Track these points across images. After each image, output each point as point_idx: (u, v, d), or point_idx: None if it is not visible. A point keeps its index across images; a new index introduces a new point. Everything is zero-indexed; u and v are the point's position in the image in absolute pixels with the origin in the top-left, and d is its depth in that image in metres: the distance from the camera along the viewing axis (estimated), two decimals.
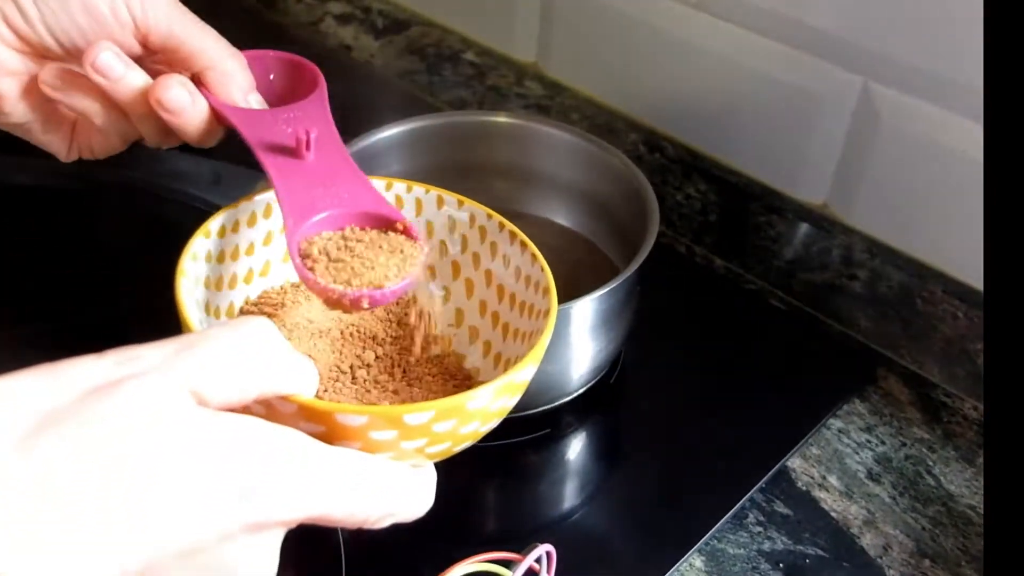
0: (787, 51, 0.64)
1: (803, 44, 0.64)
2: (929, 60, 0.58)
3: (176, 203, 0.58)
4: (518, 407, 0.56)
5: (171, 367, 0.31)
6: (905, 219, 0.64)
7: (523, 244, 0.46)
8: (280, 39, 0.93)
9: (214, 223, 0.45)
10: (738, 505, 0.54)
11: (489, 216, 0.48)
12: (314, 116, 0.47)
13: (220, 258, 0.46)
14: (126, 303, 0.64)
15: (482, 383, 0.45)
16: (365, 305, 0.40)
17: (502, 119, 0.65)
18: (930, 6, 0.57)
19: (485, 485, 0.57)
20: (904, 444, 0.59)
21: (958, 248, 0.61)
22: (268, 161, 0.44)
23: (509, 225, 0.47)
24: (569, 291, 0.52)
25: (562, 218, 0.66)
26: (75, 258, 0.67)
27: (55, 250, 0.68)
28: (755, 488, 0.55)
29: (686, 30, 0.69)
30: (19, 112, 0.46)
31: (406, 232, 0.43)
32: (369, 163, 0.63)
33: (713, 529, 0.53)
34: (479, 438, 0.40)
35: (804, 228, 0.68)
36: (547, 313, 0.43)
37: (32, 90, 0.45)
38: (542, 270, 0.45)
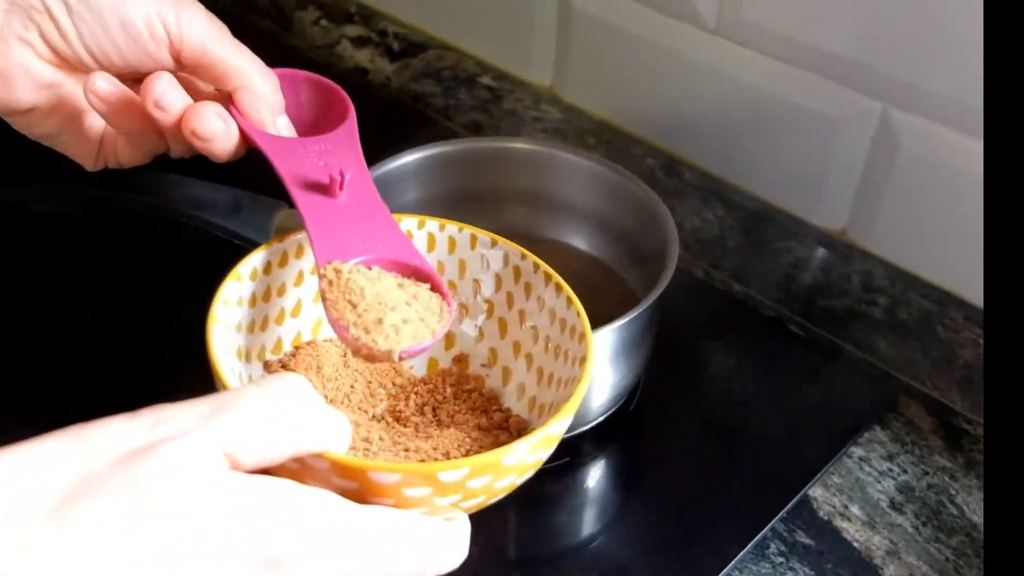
0: (806, 76, 0.64)
1: (822, 69, 0.64)
2: (949, 86, 0.58)
3: (195, 230, 0.58)
4: None
5: (205, 430, 0.30)
6: (925, 245, 0.63)
7: (558, 287, 0.45)
8: (296, 62, 0.93)
9: (245, 266, 0.44)
10: (760, 535, 0.54)
11: (523, 256, 0.47)
12: (345, 151, 0.46)
13: (252, 301, 0.45)
14: (147, 332, 0.64)
15: (516, 422, 0.44)
16: (395, 359, 0.39)
17: (520, 145, 0.65)
18: (950, 31, 0.57)
19: (503, 515, 0.56)
20: (926, 473, 0.59)
21: (979, 274, 0.61)
22: (300, 198, 0.43)
23: (544, 266, 0.46)
24: (588, 318, 0.52)
25: (581, 244, 0.66)
26: (94, 286, 0.67)
27: (74, 277, 0.68)
28: (776, 518, 0.55)
29: (704, 55, 0.69)
30: (51, 124, 0.46)
31: (436, 289, 0.42)
32: (386, 190, 0.63)
33: (735, 560, 0.53)
34: (515, 489, 0.39)
35: (823, 254, 0.68)
36: (583, 360, 0.42)
37: (65, 103, 0.45)
38: (578, 315, 0.44)
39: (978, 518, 0.56)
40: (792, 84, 0.65)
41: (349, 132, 0.47)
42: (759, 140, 0.69)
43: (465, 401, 0.47)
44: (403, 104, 0.88)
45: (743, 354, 0.66)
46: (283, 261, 0.46)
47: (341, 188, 0.43)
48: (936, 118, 0.60)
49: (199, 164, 0.61)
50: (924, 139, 0.60)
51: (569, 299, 0.45)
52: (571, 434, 0.58)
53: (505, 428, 0.45)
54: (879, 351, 0.66)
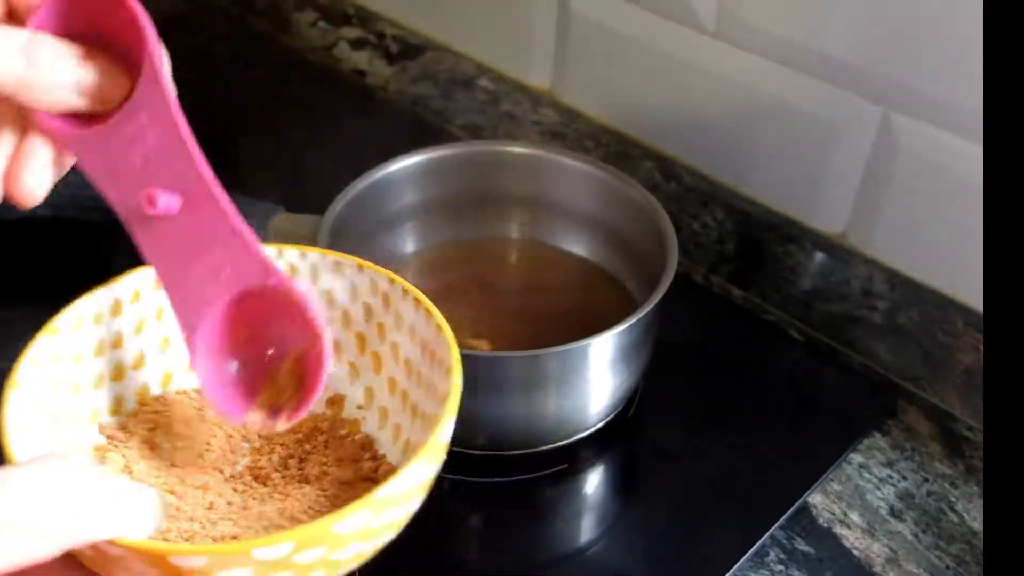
0: (806, 80, 0.64)
1: (823, 73, 0.63)
2: (951, 90, 0.58)
3: None
4: (534, 442, 0.56)
5: None
6: (925, 250, 0.63)
7: (428, 312, 0.39)
8: (293, 64, 0.93)
9: (65, 318, 0.38)
10: (759, 543, 0.54)
11: (392, 281, 0.41)
12: (157, 120, 0.33)
13: (79, 357, 0.39)
14: None
15: (386, 471, 0.39)
16: (278, 428, 0.36)
17: (519, 149, 0.64)
18: (953, 35, 0.56)
19: (500, 521, 0.56)
20: (926, 480, 0.58)
21: (979, 279, 0.60)
22: (135, 226, 0.35)
23: (414, 291, 0.40)
24: (587, 323, 0.52)
25: (579, 249, 0.65)
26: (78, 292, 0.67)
27: (56, 283, 0.68)
28: (776, 525, 0.55)
29: (703, 58, 0.69)
30: None
31: (307, 324, 0.35)
32: (384, 194, 0.63)
33: (734, 567, 0.52)
34: (375, 553, 0.34)
35: (822, 258, 0.67)
36: (446, 398, 0.36)
37: None
38: (448, 346, 0.38)
39: (978, 525, 0.56)
40: (792, 87, 0.65)
41: (155, 87, 0.33)
42: (758, 144, 0.68)
43: (336, 450, 0.41)
44: (401, 107, 0.87)
45: (742, 359, 0.66)
46: (117, 310, 0.40)
47: (153, 204, 0.34)
48: (937, 122, 0.59)
49: None
50: (925, 143, 0.60)
51: (439, 327, 0.39)
52: (569, 440, 0.57)
53: (373, 479, 0.39)
54: (879, 356, 0.65)
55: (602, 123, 0.77)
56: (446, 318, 0.39)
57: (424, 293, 0.41)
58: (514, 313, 0.62)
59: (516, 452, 0.57)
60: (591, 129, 0.78)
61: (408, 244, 0.66)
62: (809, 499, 0.57)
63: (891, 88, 0.61)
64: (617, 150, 0.76)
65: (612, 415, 0.59)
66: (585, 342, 0.51)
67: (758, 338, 0.68)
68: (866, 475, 0.59)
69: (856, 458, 0.59)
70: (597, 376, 0.54)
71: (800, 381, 0.64)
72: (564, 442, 0.57)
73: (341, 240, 0.58)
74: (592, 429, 0.58)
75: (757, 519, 0.55)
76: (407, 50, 0.90)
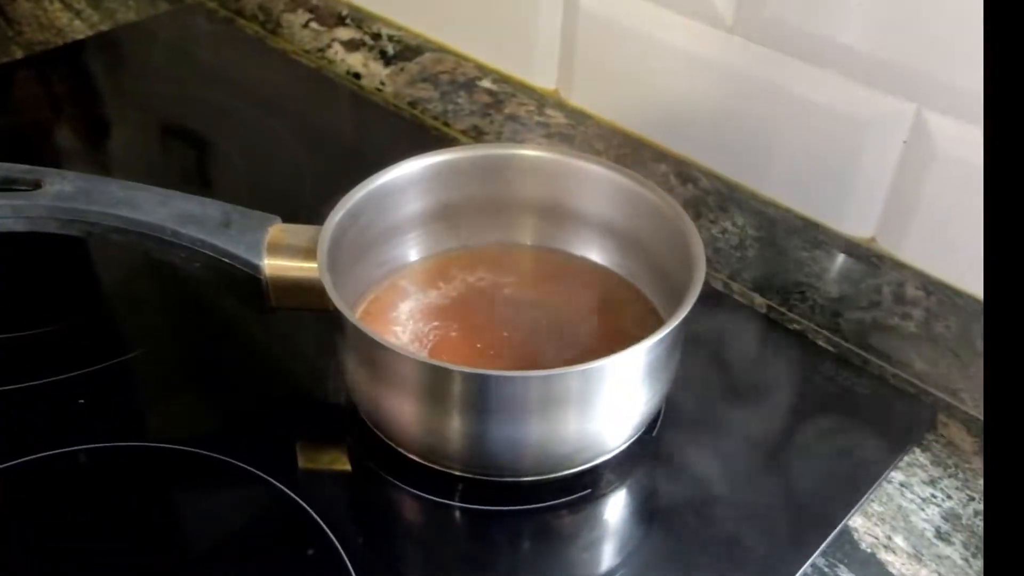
0: (832, 76, 0.60)
1: (850, 68, 0.60)
2: None
3: (182, 248, 0.54)
4: (553, 468, 0.53)
5: None
6: (962, 253, 0.59)
7: None
8: (284, 66, 0.89)
9: None
10: (799, 573, 0.50)
11: None
12: None
13: None
14: (130, 354, 0.60)
15: None
16: None
17: (532, 152, 0.61)
18: None
19: (517, 550, 0.52)
20: (972, 499, 0.55)
21: None
22: None
23: None
24: (607, 337, 0.48)
25: (596, 257, 0.62)
26: (76, 306, 0.63)
27: (52, 299, 0.64)
28: (817, 552, 0.51)
29: (720, 54, 0.65)
30: None
31: None
32: (386, 202, 0.59)
33: None
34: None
35: (851, 264, 0.64)
36: None
37: None
38: None
39: None
40: (817, 84, 0.61)
41: None
42: (781, 144, 0.65)
43: None
44: (399, 110, 0.84)
45: (768, 371, 0.62)
46: None
47: None
48: (974, 119, 0.56)
49: (174, 184, 0.57)
50: (960, 141, 0.57)
51: None
52: (591, 464, 0.54)
53: None
54: (914, 367, 0.62)
55: (612, 124, 0.74)
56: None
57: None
58: (528, 326, 0.58)
59: (533, 479, 0.53)
60: (600, 131, 0.74)
61: (412, 254, 0.63)
62: (850, 522, 0.53)
63: (924, 83, 0.57)
64: (629, 152, 0.73)
65: (636, 436, 0.55)
66: (609, 360, 0.47)
67: (784, 349, 0.64)
68: (908, 494, 0.55)
69: (897, 476, 0.56)
70: (622, 396, 0.50)
71: (831, 395, 0.61)
72: (585, 466, 0.53)
73: (341, 251, 0.55)
74: (615, 452, 0.54)
75: (795, 546, 0.51)
76: (404, 51, 0.86)
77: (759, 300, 0.67)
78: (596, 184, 0.59)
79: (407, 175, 0.59)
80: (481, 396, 0.48)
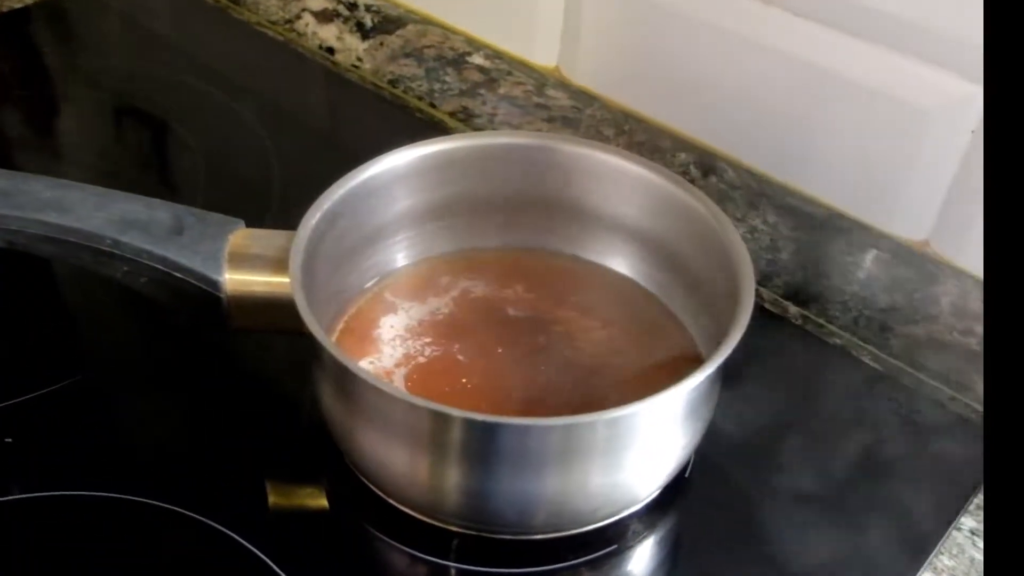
0: (885, 54, 0.53)
1: (907, 45, 0.52)
2: None
3: (125, 260, 0.45)
4: (574, 524, 0.45)
5: None
6: None
7: None
8: (249, 39, 0.81)
9: None
10: None
11: None
12: None
13: None
14: (66, 381, 0.52)
15: None
16: None
17: (540, 142, 0.53)
18: None
19: None
20: None
21: None
22: None
23: None
24: (634, 366, 0.40)
25: (619, 265, 0.54)
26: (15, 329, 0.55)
27: None
28: None
29: (750, 27, 0.58)
30: None
31: None
32: (370, 201, 0.51)
33: None
34: None
35: (901, 270, 0.56)
36: None
37: None
38: None
39: None
40: (869, 64, 0.54)
41: None
42: (822, 132, 0.58)
43: None
44: (378, 90, 0.76)
45: (808, 396, 0.55)
46: None
47: None
48: None
49: (126, 174, 0.49)
50: None
51: None
52: (618, 517, 0.46)
53: None
54: (975, 390, 0.55)
55: (624, 107, 0.66)
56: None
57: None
58: (538, 350, 0.50)
59: (546, 536, 0.45)
60: (610, 115, 0.67)
61: (399, 259, 0.55)
62: None
63: None
64: (643, 139, 0.65)
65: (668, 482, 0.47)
66: (642, 405, 0.39)
67: (824, 367, 0.57)
68: (981, 543, 0.48)
69: (967, 523, 0.49)
70: (655, 443, 0.42)
71: (882, 423, 0.53)
72: (611, 520, 0.45)
73: (317, 262, 0.47)
74: (644, 503, 0.46)
75: None
76: (384, 23, 0.78)
77: (793, 309, 0.60)
78: (616, 180, 0.52)
79: (393, 170, 0.51)
80: (486, 446, 0.40)
